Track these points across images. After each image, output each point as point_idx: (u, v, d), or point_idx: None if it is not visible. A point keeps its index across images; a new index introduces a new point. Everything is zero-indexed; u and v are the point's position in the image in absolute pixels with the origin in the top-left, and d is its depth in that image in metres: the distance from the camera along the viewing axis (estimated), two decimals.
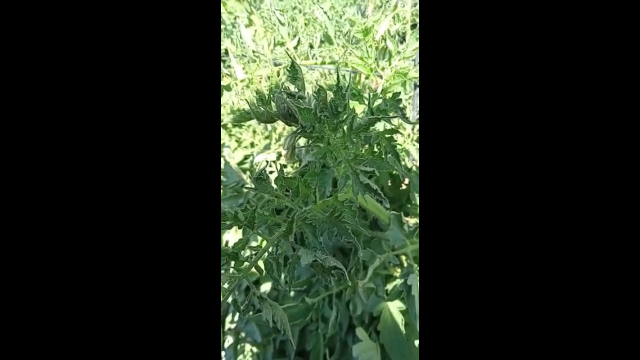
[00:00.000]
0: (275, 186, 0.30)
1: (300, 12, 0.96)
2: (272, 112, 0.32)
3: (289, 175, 0.31)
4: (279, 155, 0.89)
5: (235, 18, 1.15)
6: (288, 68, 0.28)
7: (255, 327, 1.00)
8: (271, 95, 0.31)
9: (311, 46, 0.89)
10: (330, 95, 0.29)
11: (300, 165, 0.42)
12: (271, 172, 0.32)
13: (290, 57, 0.30)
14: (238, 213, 0.25)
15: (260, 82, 0.56)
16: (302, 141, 0.44)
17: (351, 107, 0.33)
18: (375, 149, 0.32)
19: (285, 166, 0.52)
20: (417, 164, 0.56)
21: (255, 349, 1.06)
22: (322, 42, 0.87)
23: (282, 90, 0.30)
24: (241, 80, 0.87)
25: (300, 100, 0.28)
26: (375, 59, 0.38)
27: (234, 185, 0.72)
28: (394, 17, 0.43)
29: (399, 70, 0.36)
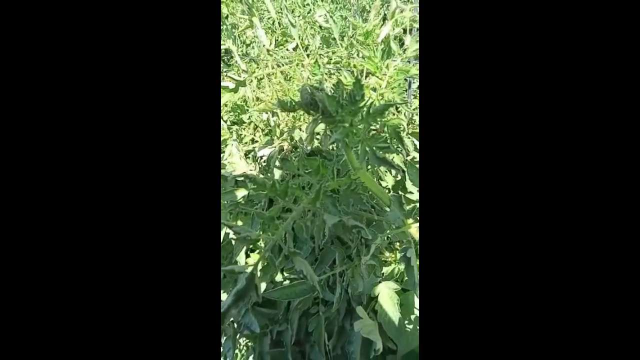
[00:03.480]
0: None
1: (298, 14, 1.01)
2: (295, 102, 0.37)
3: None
4: (281, 149, 0.94)
5: (227, 17, 1.19)
6: (311, 66, 0.33)
7: (253, 318, 1.03)
8: (297, 89, 0.37)
9: (307, 47, 0.95)
10: (347, 88, 0.35)
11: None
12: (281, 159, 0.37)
13: (317, 61, 0.35)
14: (275, 183, 0.30)
15: (270, 79, 0.61)
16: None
17: None
18: (381, 135, 0.37)
19: (288, 155, 0.57)
20: (411, 155, 0.62)
21: (250, 343, 1.08)
22: (321, 44, 0.93)
23: (307, 84, 0.35)
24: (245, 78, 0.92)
25: (323, 92, 0.33)
26: (381, 58, 0.43)
27: (240, 176, 0.76)
28: (393, 23, 0.49)
29: (401, 68, 0.42)
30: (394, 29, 0.46)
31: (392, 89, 0.40)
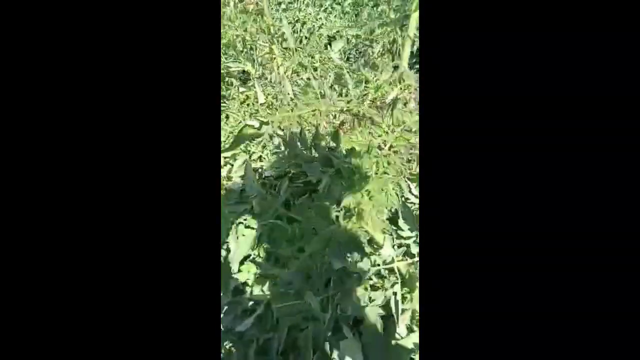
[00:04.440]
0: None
1: (316, 49, 1.10)
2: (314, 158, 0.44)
3: None
4: (286, 173, 1.01)
5: (243, 39, 1.26)
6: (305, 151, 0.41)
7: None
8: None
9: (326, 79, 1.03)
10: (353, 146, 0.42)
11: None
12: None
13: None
14: (295, 229, 0.38)
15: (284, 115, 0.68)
16: None
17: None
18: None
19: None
20: (410, 194, 0.70)
21: (233, 348, 1.12)
22: (334, 80, 1.01)
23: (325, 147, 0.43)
24: (261, 104, 1.00)
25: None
26: (385, 131, 0.51)
27: (254, 196, 0.82)
28: (401, 87, 0.57)
29: (403, 136, 0.49)
30: (401, 92, 0.54)
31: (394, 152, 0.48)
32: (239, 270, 1.01)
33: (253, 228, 0.94)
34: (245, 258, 0.92)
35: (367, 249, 0.54)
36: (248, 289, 1.02)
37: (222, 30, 1.07)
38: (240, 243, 1.00)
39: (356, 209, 0.42)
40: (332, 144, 0.43)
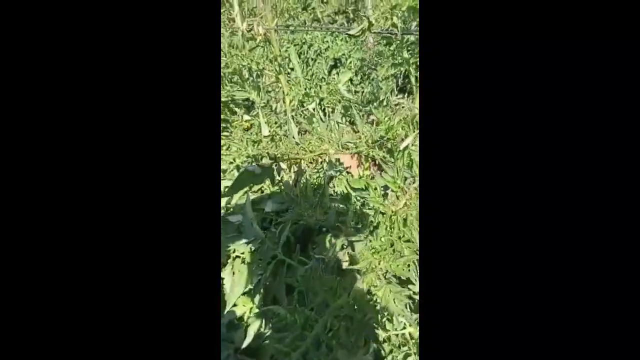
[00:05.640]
0: None
1: (323, 80, 1.08)
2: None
3: None
4: (288, 208, 0.95)
5: (249, 68, 1.24)
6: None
7: None
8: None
9: (333, 110, 1.00)
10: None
11: None
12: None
13: None
14: (297, 320, 0.32)
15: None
16: None
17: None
18: None
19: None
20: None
21: None
22: (342, 110, 0.98)
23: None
24: (265, 136, 0.96)
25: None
26: (405, 177, 0.46)
27: (252, 240, 0.77)
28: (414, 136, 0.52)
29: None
30: (415, 140, 0.50)
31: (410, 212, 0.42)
32: (234, 305, 0.94)
33: (251, 264, 0.88)
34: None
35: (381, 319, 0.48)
36: (243, 324, 0.95)
37: (229, 59, 1.05)
38: (236, 280, 0.93)
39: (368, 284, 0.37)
40: (341, 205, 0.38)
